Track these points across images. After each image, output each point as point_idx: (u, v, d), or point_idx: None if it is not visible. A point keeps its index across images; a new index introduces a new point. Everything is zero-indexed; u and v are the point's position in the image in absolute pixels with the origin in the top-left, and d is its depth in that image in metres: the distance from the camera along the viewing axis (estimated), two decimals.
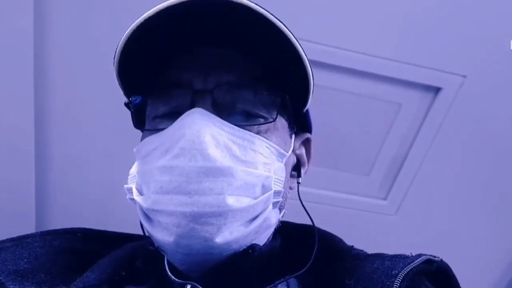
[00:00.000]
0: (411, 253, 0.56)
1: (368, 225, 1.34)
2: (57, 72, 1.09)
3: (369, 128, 1.23)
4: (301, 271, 0.55)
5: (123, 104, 0.57)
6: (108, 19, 1.03)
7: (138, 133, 0.59)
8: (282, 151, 0.55)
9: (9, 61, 1.04)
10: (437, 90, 1.16)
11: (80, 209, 1.24)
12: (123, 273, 0.58)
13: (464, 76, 1.13)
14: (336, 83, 1.15)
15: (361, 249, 0.61)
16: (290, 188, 0.62)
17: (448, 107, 1.17)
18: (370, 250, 0.60)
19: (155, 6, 0.48)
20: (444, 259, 0.55)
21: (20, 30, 1.01)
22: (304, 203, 0.62)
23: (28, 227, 1.19)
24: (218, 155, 0.49)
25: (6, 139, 1.12)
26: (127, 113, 0.57)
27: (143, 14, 0.48)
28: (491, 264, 1.44)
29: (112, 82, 0.57)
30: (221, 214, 0.48)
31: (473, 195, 1.32)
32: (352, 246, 0.62)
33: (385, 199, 1.32)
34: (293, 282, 0.56)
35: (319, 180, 1.26)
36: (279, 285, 0.54)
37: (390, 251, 0.58)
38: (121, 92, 0.58)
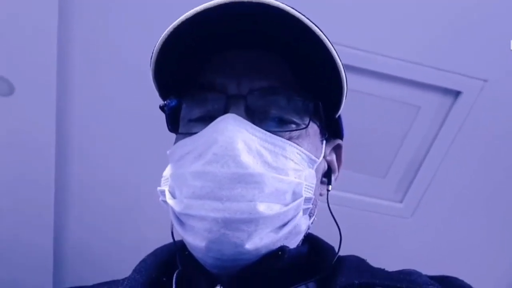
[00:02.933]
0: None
1: (383, 227, 1.33)
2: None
3: (387, 130, 1.22)
4: (321, 275, 0.55)
5: (156, 110, 0.57)
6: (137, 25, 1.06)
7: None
8: (313, 157, 0.55)
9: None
10: (457, 93, 1.16)
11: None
12: (164, 279, 0.58)
13: (485, 80, 1.12)
14: (354, 84, 1.14)
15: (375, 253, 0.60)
16: (320, 194, 0.61)
17: (468, 111, 1.17)
18: (384, 252, 0.60)
19: (181, 9, 0.48)
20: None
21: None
22: (319, 203, 0.61)
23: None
24: (250, 162, 0.48)
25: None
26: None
27: (172, 14, 0.48)
28: (507, 269, 1.43)
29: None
30: (252, 221, 0.48)
31: (490, 200, 1.31)
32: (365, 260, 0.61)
33: (401, 202, 1.31)
34: (312, 285, 0.56)
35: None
36: None
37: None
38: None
